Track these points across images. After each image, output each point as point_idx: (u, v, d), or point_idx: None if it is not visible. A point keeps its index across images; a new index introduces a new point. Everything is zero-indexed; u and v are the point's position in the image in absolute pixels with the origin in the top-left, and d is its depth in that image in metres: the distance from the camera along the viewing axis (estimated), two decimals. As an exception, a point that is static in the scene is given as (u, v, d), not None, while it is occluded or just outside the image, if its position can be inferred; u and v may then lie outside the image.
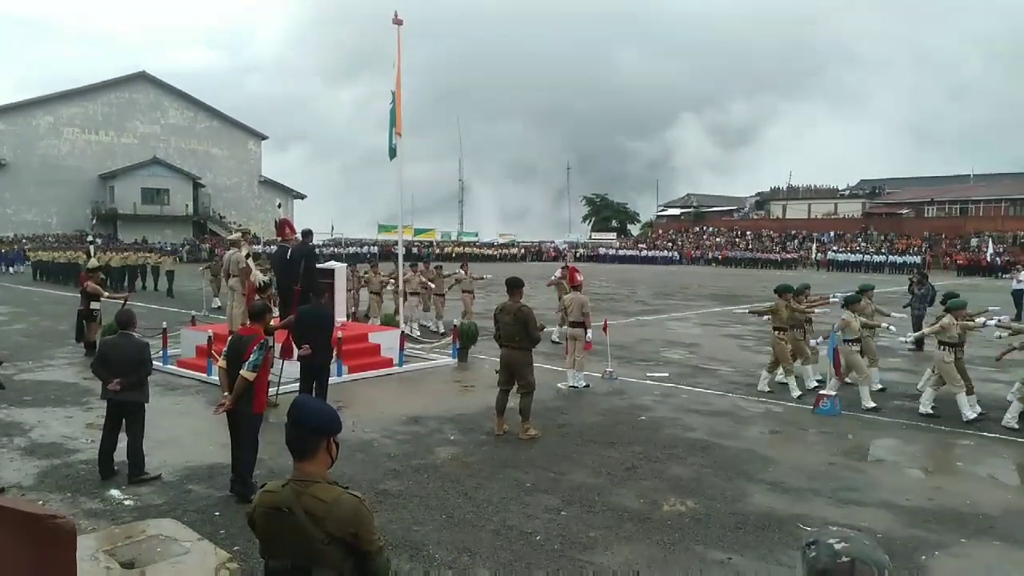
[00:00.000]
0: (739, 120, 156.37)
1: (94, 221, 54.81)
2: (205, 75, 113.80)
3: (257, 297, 9.51)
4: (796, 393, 9.94)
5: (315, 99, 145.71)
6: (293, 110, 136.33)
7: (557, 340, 13.69)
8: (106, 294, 13.30)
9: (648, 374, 11.61)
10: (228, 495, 6.03)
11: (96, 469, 6.52)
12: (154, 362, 10.42)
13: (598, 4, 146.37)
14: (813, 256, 54.26)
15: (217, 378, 6.92)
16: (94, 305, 12.73)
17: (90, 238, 26.16)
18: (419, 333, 15.48)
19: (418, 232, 57.03)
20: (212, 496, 6.10)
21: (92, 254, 19.18)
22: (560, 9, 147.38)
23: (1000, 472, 7.00)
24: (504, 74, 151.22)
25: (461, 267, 17.86)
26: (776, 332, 10.24)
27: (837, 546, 1.79)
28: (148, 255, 30.15)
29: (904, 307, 15.70)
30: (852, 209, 65.49)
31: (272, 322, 8.05)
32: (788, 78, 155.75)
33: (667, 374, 11.65)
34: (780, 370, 10.42)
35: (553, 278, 15.13)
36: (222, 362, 6.17)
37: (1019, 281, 20.77)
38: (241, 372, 5.86)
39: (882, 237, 56.41)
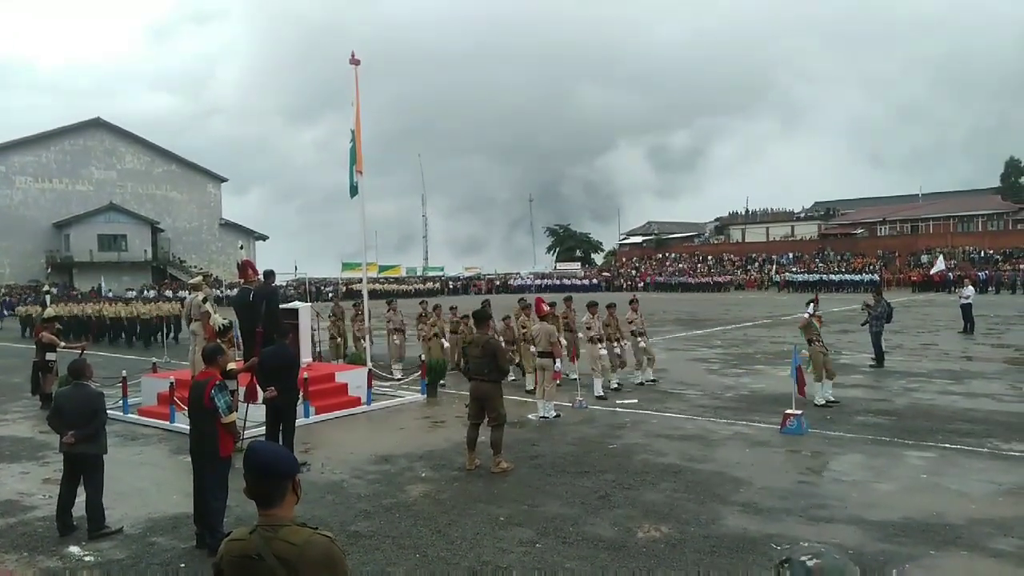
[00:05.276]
0: (694, 148, 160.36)
1: (48, 270, 53.54)
2: (165, 120, 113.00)
3: (218, 340, 9.35)
4: None
5: (276, 140, 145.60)
6: (254, 152, 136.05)
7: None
8: (62, 344, 12.96)
9: (618, 401, 11.65)
10: (193, 547, 5.86)
11: (54, 525, 6.29)
12: (114, 411, 10.27)
13: (556, 39, 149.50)
14: (772, 277, 55.38)
15: (179, 425, 6.76)
16: (50, 356, 12.38)
17: (45, 288, 25.45)
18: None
19: (383, 269, 56.71)
20: (177, 548, 5.91)
21: (48, 304, 18.71)
22: (519, 47, 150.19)
23: (964, 483, 7.14)
24: (464, 110, 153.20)
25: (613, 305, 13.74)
26: None
27: (810, 563, 1.84)
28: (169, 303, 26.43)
29: (862, 324, 16.09)
30: (808, 231, 67.13)
31: (235, 365, 7.92)
32: (739, 106, 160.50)
33: (636, 400, 11.70)
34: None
35: (805, 317, 11.58)
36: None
37: (963, 297, 21.42)
38: (222, 421, 5.83)
39: (839, 257, 57.80)
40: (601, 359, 12.34)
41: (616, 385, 12.69)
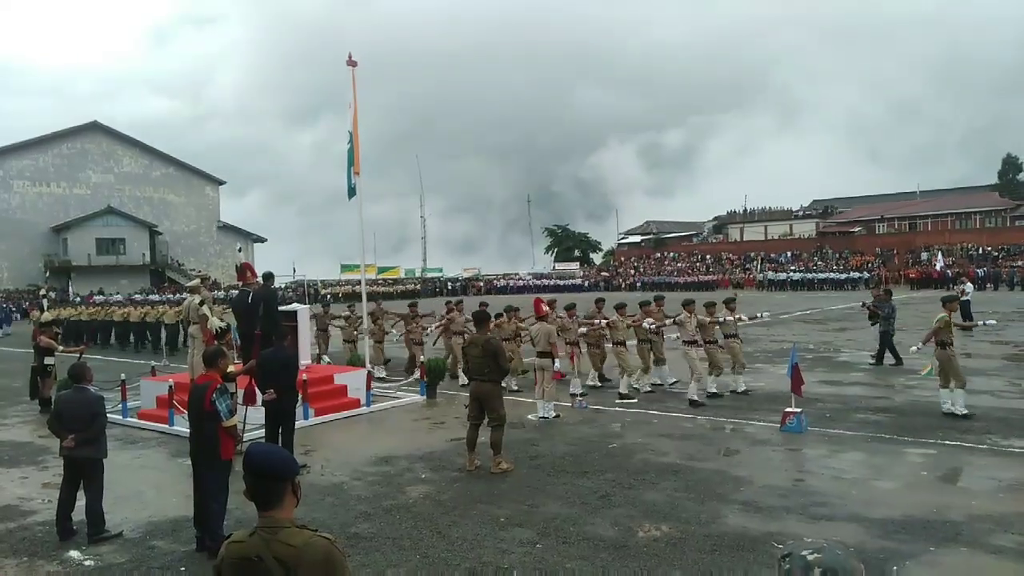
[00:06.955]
0: (691, 147, 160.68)
1: (47, 274, 53.51)
2: (165, 123, 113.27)
3: (216, 343, 9.34)
4: None
5: (274, 142, 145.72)
6: (252, 154, 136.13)
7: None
8: (60, 348, 12.94)
9: (617, 401, 11.64)
10: (193, 550, 5.85)
11: (54, 530, 6.28)
12: (114, 415, 10.26)
13: (551, 40, 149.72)
14: (759, 275, 55.41)
15: (179, 428, 6.75)
16: (48, 360, 12.37)
17: (43, 292, 25.38)
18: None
19: (381, 270, 56.79)
20: (177, 551, 5.91)
21: (45, 308, 18.68)
22: (515, 48, 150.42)
23: (963, 479, 7.15)
24: (461, 112, 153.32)
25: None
26: None
27: (810, 557, 1.83)
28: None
29: (872, 324, 16.12)
30: (807, 229, 67.10)
31: (234, 367, 7.92)
32: (736, 104, 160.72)
33: (636, 400, 11.69)
34: None
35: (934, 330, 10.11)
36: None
37: (963, 293, 21.41)
38: (223, 424, 5.82)
39: (837, 255, 57.82)
40: (699, 363, 11.39)
41: (714, 390, 11.61)
